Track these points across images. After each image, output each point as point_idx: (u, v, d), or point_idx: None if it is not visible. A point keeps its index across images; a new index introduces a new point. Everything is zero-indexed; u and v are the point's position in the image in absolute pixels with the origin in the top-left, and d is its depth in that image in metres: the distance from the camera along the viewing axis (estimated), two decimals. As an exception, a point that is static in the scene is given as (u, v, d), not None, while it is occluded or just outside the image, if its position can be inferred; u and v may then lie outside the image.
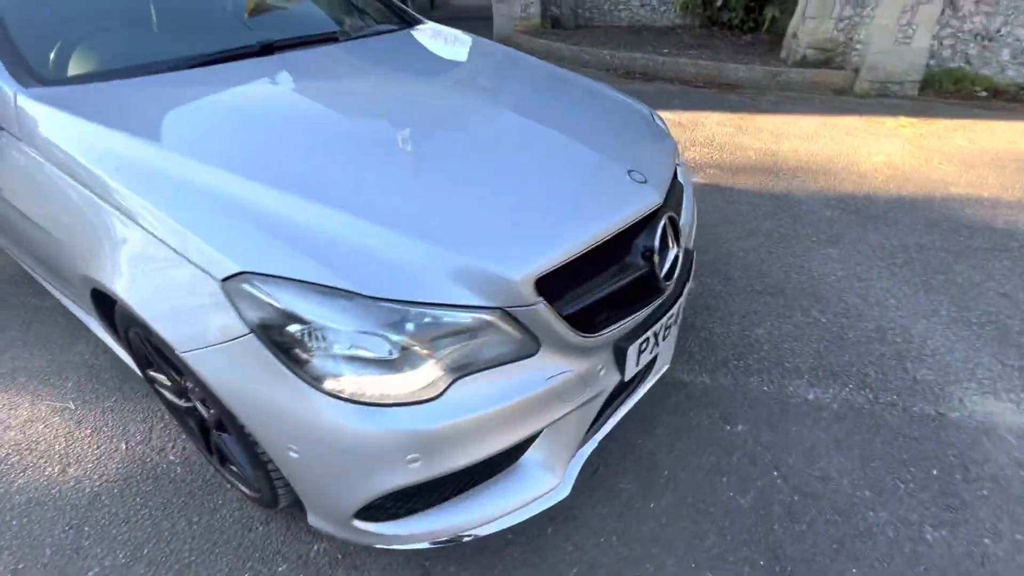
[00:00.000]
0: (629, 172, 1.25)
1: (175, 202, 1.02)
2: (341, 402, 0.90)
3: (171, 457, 1.54)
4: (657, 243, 1.21)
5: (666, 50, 6.37)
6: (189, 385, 1.21)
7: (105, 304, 1.24)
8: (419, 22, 2.21)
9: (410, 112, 1.42)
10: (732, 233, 2.64)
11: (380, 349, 0.91)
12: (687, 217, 1.51)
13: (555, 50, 6.88)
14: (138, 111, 1.27)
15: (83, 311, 1.59)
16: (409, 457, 0.93)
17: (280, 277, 0.90)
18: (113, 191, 1.07)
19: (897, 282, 2.26)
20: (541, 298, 1.00)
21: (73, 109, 1.23)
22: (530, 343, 1.04)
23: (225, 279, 0.91)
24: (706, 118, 4.42)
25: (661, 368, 1.47)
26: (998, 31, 5.16)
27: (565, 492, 1.18)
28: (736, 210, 2.87)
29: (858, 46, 5.21)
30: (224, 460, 1.37)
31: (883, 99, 4.98)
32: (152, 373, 1.34)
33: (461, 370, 0.97)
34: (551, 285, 1.02)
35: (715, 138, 3.92)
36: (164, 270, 0.98)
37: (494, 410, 0.98)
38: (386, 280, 0.93)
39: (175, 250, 0.97)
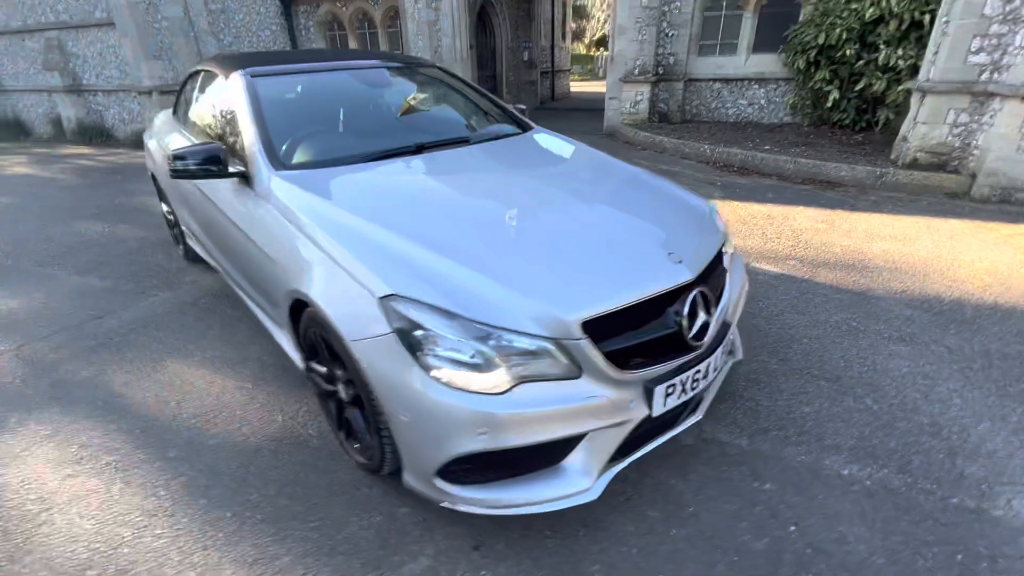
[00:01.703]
0: (669, 253, 1.64)
1: (355, 245, 1.59)
2: (440, 385, 1.35)
3: (310, 431, 2.09)
4: (687, 310, 1.56)
5: (767, 146, 6.64)
6: (339, 373, 1.74)
7: (295, 312, 1.85)
8: (531, 127, 2.83)
9: (517, 198, 1.95)
10: (799, 321, 2.81)
11: (470, 354, 1.36)
12: (731, 296, 1.83)
13: (657, 142, 7.45)
14: (336, 187, 1.94)
15: (269, 318, 2.26)
16: (479, 430, 1.34)
17: (414, 299, 1.41)
18: (318, 235, 1.68)
19: (968, 385, 2.28)
20: (586, 336, 1.40)
21: (300, 184, 1.93)
22: (575, 368, 1.42)
23: (381, 297, 1.44)
24: (798, 212, 4.58)
25: (692, 419, 1.74)
26: None
27: (595, 495, 1.50)
28: (808, 301, 3.02)
29: (975, 152, 5.10)
30: (348, 435, 1.88)
31: (1004, 205, 4.77)
32: (313, 364, 1.92)
33: (522, 378, 1.38)
34: (597, 328, 1.42)
35: (802, 232, 4.08)
36: (344, 287, 1.54)
37: (541, 411, 1.38)
38: (479, 309, 1.39)
39: (352, 276, 1.52)
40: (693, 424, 1.75)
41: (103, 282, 3.54)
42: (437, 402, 1.36)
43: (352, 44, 11.62)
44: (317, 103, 2.54)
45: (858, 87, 6.91)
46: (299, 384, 2.36)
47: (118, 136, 10.44)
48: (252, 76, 2.40)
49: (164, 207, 3.83)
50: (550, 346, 1.39)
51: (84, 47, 9.99)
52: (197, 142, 2.61)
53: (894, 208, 4.71)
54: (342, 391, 1.80)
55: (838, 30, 6.64)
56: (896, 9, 6.21)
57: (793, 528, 1.63)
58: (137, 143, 9.59)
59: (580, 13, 29.96)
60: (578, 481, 1.49)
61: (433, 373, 1.36)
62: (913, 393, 2.23)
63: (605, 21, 39.02)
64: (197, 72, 3.08)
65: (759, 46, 8.57)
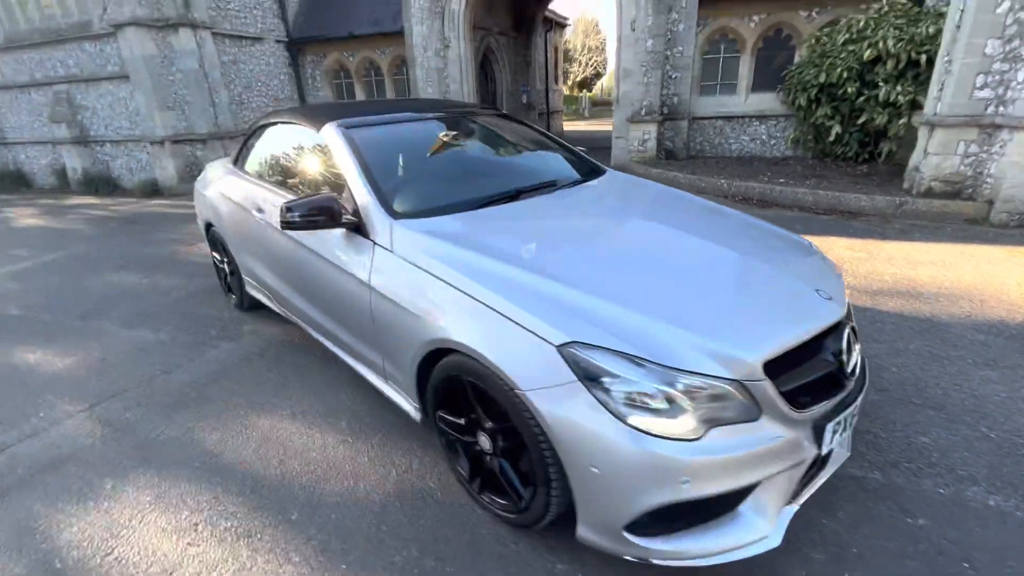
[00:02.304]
0: (817, 290, 1.66)
1: (512, 293, 1.58)
2: (638, 433, 1.33)
3: (430, 483, 2.02)
4: (845, 346, 1.58)
5: (782, 179, 6.87)
6: (487, 423, 1.70)
7: (427, 363, 1.81)
8: (604, 170, 2.89)
9: (647, 240, 1.98)
10: (880, 350, 2.84)
11: (660, 400, 1.35)
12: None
13: (672, 178, 7.67)
14: (465, 234, 1.94)
15: (371, 369, 2.22)
16: (682, 479, 1.31)
17: (597, 346, 1.40)
18: (466, 283, 1.67)
19: (1070, 408, 2.31)
20: (767, 377, 1.40)
21: (426, 232, 1.93)
22: (755, 410, 1.41)
23: (560, 345, 1.42)
24: (832, 242, 4.71)
25: (844, 455, 1.73)
26: None
27: (777, 541, 1.46)
28: (880, 330, 3.07)
29: (988, 179, 5.34)
30: (484, 487, 1.82)
31: (1023, 230, 4.96)
32: (443, 414, 1.87)
33: (711, 422, 1.36)
34: (773, 368, 1.42)
35: (846, 262, 4.19)
36: (511, 336, 1.51)
37: (735, 455, 1.36)
38: (661, 353, 1.39)
39: (519, 324, 1.51)
40: (845, 460, 1.73)
41: (158, 335, 3.45)
42: (635, 451, 1.33)
43: (359, 92, 11.92)
44: (409, 152, 2.57)
45: (860, 121, 7.25)
46: (404, 435, 2.30)
47: (125, 186, 10.41)
48: (346, 128, 2.43)
49: (217, 256, 3.79)
50: (733, 388, 1.39)
51: (94, 99, 10.07)
52: (288, 193, 2.62)
53: (922, 236, 4.87)
54: (484, 442, 1.75)
55: (839, 70, 7.01)
56: (893, 50, 6.61)
57: (967, 565, 1.60)
58: (148, 192, 9.57)
59: (564, 57, 31.29)
60: (758, 526, 1.46)
61: (630, 421, 1.34)
62: (1020, 419, 2.25)
63: (587, 64, 40.82)
64: (267, 124, 3.12)
65: (757, 86, 9.00)
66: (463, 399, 1.76)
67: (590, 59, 41.45)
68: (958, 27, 5.32)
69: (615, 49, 9.00)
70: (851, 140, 7.64)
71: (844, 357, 1.58)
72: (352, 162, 2.24)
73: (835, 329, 1.61)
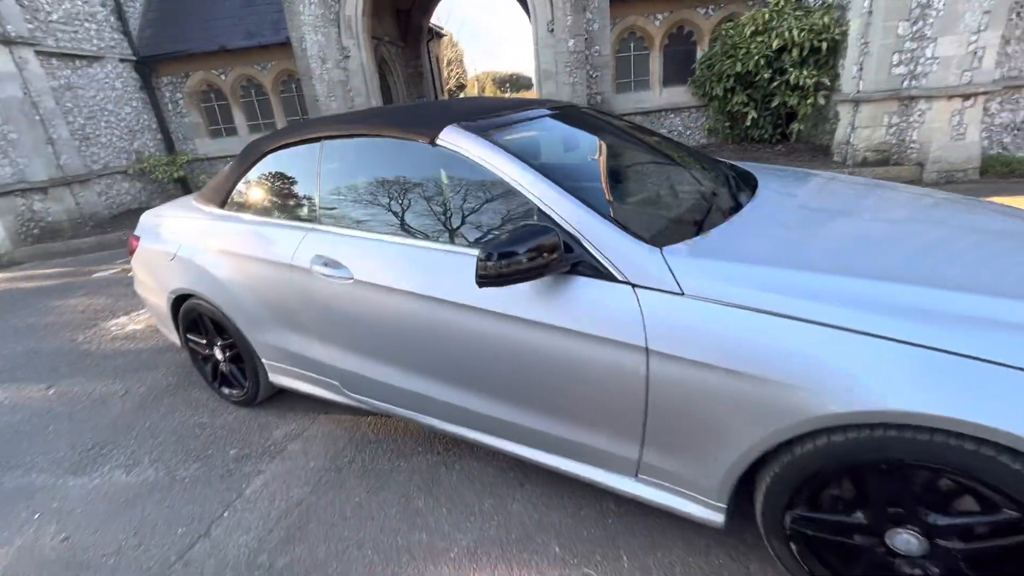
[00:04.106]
0: None
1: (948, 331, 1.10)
2: None
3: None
4: None
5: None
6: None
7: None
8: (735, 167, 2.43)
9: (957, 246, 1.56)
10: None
11: None
12: None
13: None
14: (763, 254, 1.41)
15: (604, 467, 1.57)
16: None
17: None
18: (871, 321, 1.14)
19: None
20: None
21: (723, 258, 1.37)
22: None
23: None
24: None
25: None
26: (1022, 122, 6.10)
27: None
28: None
29: (913, 145, 6.02)
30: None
31: (951, 185, 5.65)
32: (799, 512, 1.31)
33: None
34: None
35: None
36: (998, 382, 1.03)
37: None
38: None
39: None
40: None
41: (141, 476, 2.28)
42: None
43: (238, 116, 10.25)
44: (574, 159, 1.93)
45: (773, 105, 7.88)
46: (683, 548, 1.66)
47: (-81, 261, 7.64)
48: (480, 132, 1.72)
49: (196, 338, 2.68)
50: None
51: None
52: (390, 236, 1.82)
53: (890, 200, 5.29)
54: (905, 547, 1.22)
55: (756, 58, 7.53)
56: (798, 39, 7.24)
57: None
58: (-33, 265, 7.13)
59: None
60: None
61: None
62: None
63: (449, 76, 40.91)
64: (278, 147, 2.21)
65: (668, 80, 9.44)
66: (861, 498, 1.22)
67: (451, 71, 41.75)
68: (870, 13, 5.92)
69: (533, 52, 8.79)
70: (765, 123, 8.28)
71: None
72: (536, 177, 1.56)
73: None
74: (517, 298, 1.52)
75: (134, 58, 9.27)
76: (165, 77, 9.82)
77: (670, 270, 1.36)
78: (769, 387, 1.20)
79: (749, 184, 2.03)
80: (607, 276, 1.42)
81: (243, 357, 2.48)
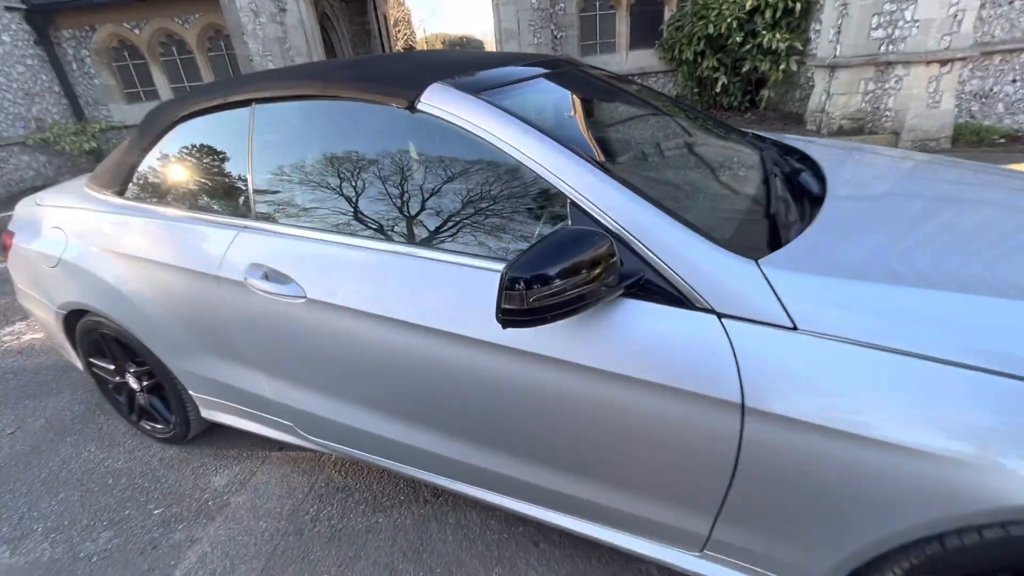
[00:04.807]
0: None
1: None
2: None
3: None
4: None
5: (703, 133, 6.88)
6: None
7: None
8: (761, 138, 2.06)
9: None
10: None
11: None
12: None
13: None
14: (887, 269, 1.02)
15: (654, 539, 1.19)
16: None
17: None
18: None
19: None
20: None
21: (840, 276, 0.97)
22: None
23: None
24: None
25: None
26: (991, 90, 6.08)
27: None
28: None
29: (888, 113, 5.88)
30: None
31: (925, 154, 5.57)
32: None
33: None
34: None
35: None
36: None
37: None
38: None
39: None
40: None
41: (31, 555, 1.73)
42: None
43: (156, 75, 9.02)
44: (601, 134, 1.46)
45: (744, 70, 7.59)
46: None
47: None
48: (477, 92, 1.24)
49: (100, 363, 2.09)
50: None
51: None
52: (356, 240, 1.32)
53: (871, 171, 5.14)
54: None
55: (729, 19, 7.16)
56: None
57: None
58: None
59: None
60: None
61: None
62: None
63: (399, 37, 38.71)
64: (198, 111, 1.64)
65: (636, 43, 8.97)
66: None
67: (398, 32, 39.52)
68: (849, -28, 5.63)
69: (492, 8, 8.08)
70: (735, 90, 8.01)
71: None
72: (567, 157, 1.11)
73: None
74: (550, 331, 1.08)
75: (23, 6, 7.86)
76: (66, 31, 8.44)
77: (774, 292, 0.95)
78: (939, 465, 0.84)
79: (809, 167, 1.64)
80: (679, 301, 1.00)
81: (165, 387, 1.94)
